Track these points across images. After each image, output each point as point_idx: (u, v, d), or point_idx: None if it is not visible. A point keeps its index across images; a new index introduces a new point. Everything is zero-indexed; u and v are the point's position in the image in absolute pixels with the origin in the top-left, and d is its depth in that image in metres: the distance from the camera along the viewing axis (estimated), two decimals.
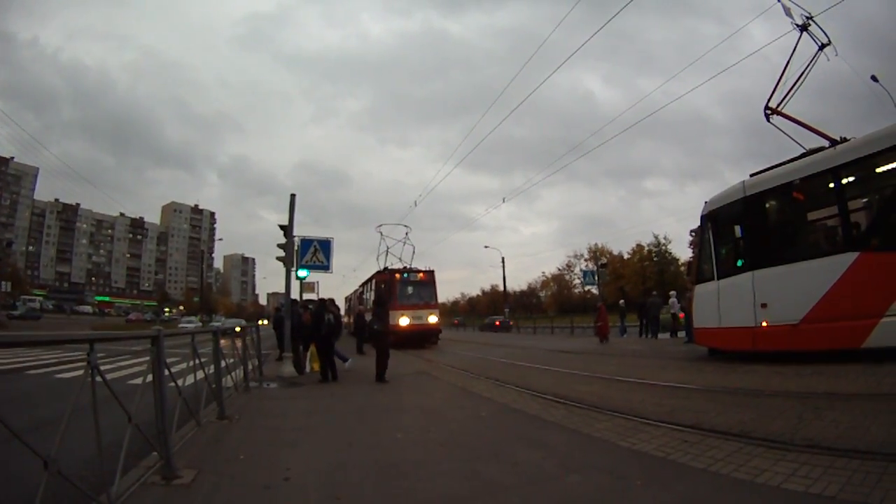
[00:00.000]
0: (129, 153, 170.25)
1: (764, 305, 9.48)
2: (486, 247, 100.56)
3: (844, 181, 8.77)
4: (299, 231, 12.60)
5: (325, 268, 13.43)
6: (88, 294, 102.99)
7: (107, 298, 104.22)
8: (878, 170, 8.44)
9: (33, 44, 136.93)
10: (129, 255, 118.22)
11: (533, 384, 9.14)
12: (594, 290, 51.04)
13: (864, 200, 8.87)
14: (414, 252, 24.92)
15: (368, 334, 16.08)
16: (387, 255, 24.73)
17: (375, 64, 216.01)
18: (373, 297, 23.12)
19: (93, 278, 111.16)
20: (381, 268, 24.34)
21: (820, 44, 10.01)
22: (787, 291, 9.10)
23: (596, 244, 78.86)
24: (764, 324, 9.46)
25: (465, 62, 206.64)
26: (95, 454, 3.10)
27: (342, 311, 38.06)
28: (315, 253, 13.16)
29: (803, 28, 10.08)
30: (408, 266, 23.61)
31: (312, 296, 16.43)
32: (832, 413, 5.29)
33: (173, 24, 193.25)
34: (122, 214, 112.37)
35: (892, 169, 8.23)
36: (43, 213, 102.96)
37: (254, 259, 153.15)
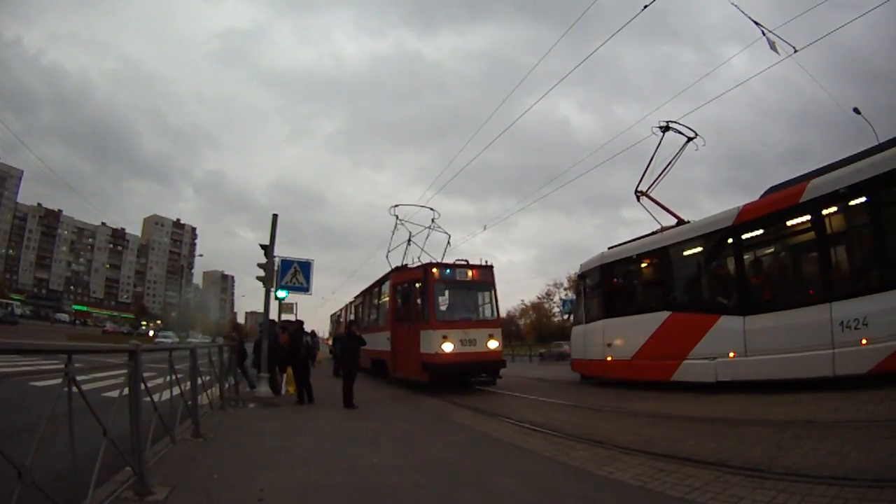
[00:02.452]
0: (107, 162, 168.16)
1: (609, 345, 12.80)
2: None
3: (663, 259, 11.80)
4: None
5: (305, 289, 13.33)
6: (66, 302, 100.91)
7: (84, 308, 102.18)
8: (685, 253, 11.36)
9: (16, 44, 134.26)
10: (108, 266, 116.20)
11: (510, 412, 9.13)
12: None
13: (676, 274, 11.73)
14: (448, 244, 16.70)
15: (336, 359, 14.69)
16: (408, 246, 16.84)
17: (349, 85, 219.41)
18: (387, 308, 15.80)
19: (71, 286, 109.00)
20: (400, 264, 16.19)
21: (686, 137, 12.50)
22: (623, 336, 12.46)
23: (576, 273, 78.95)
24: (609, 358, 12.77)
25: (439, 85, 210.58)
26: (69, 466, 3.07)
27: (326, 333, 36.34)
28: (295, 274, 13.09)
29: (665, 129, 12.55)
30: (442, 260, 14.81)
31: (291, 317, 16.32)
32: (811, 441, 5.36)
33: (152, 36, 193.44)
34: (103, 224, 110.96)
35: (693, 253, 11.14)
36: (25, 216, 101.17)
37: (233, 277, 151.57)
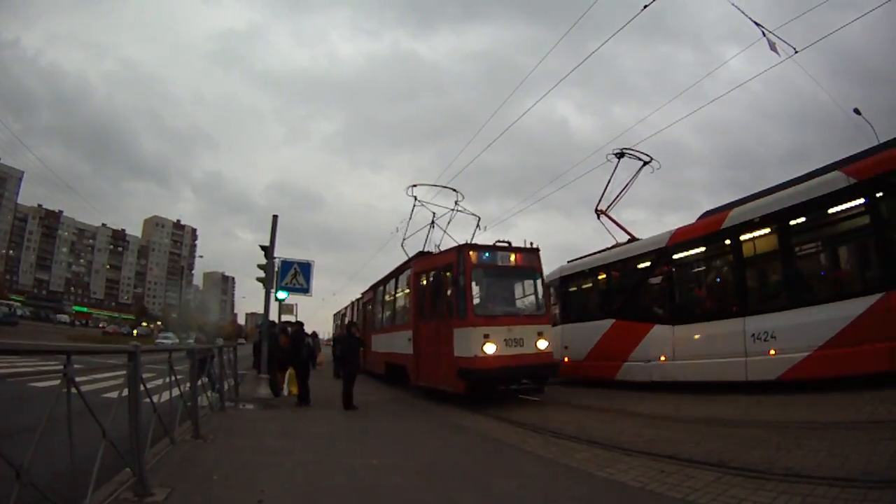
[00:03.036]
0: (106, 163, 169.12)
1: (566, 347, 14.03)
2: None
3: (610, 273, 13.31)
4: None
5: (305, 291, 13.29)
6: (66, 303, 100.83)
7: (85, 309, 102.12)
8: (627, 268, 12.67)
9: (14, 45, 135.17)
10: (108, 267, 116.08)
11: (510, 414, 9.10)
12: None
13: (620, 287, 13.04)
14: (478, 227, 14.46)
15: (335, 360, 14.06)
16: (431, 229, 14.70)
17: (346, 86, 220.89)
18: (406, 303, 13.53)
19: (71, 287, 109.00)
20: (422, 250, 14.12)
21: (642, 161, 13.35)
22: (577, 339, 13.70)
23: None
24: (566, 359, 13.89)
25: (436, 86, 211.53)
26: (68, 466, 3.07)
27: (329, 334, 35.45)
28: (295, 275, 13.06)
29: (620, 155, 13.30)
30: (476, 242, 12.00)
31: (291, 318, 16.26)
32: (811, 442, 5.34)
33: (150, 37, 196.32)
34: (103, 225, 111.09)
35: (634, 269, 12.43)
36: (25, 217, 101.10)
37: (233, 278, 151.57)
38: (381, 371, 15.61)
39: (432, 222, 14.61)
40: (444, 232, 14.24)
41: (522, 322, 10.66)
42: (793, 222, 8.92)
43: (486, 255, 11.09)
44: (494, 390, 10.52)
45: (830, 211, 8.42)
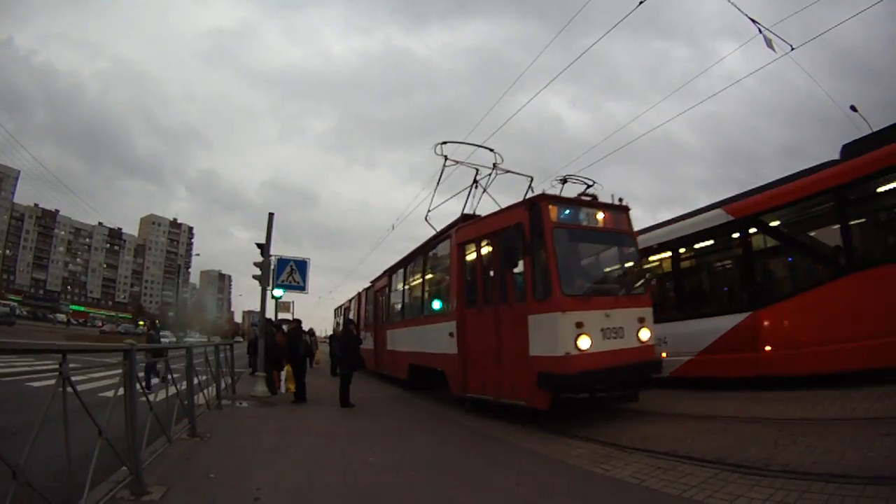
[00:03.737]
0: (100, 162, 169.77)
1: None
2: None
3: None
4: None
5: (301, 288, 13.29)
6: (63, 303, 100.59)
7: (82, 308, 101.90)
8: None
9: (7, 44, 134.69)
10: (105, 266, 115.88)
11: (506, 410, 9.07)
12: None
13: None
14: (531, 188, 10.86)
15: (333, 358, 14.04)
16: (472, 189, 11.05)
17: (339, 83, 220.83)
18: (445, 286, 10.49)
19: (68, 287, 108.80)
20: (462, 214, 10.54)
21: (585, 185, 14.79)
22: None
23: None
24: None
25: (428, 82, 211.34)
26: (64, 466, 3.06)
27: (328, 331, 34.95)
28: (291, 273, 13.06)
29: (563, 181, 13.28)
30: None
31: (288, 315, 16.26)
32: (808, 438, 5.34)
33: (143, 36, 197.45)
34: (100, 224, 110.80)
35: None
36: (22, 217, 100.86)
37: (230, 276, 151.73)
38: (403, 375, 12.65)
39: (475, 180, 11.04)
40: (486, 191, 11.13)
41: (621, 304, 7.79)
42: (681, 250, 10.68)
43: (569, 211, 8.11)
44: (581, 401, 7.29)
45: (711, 242, 10.22)
